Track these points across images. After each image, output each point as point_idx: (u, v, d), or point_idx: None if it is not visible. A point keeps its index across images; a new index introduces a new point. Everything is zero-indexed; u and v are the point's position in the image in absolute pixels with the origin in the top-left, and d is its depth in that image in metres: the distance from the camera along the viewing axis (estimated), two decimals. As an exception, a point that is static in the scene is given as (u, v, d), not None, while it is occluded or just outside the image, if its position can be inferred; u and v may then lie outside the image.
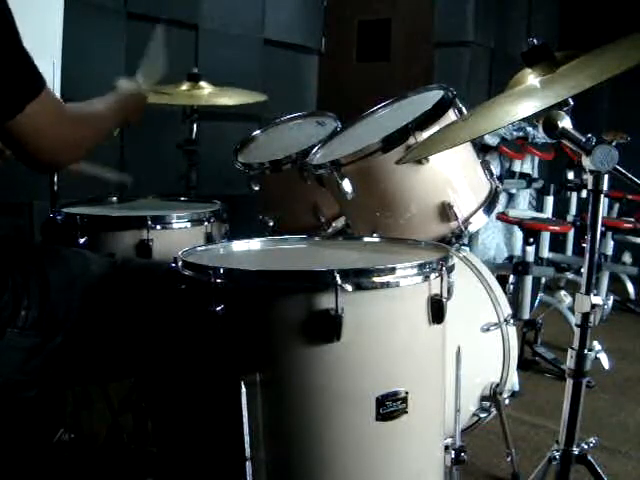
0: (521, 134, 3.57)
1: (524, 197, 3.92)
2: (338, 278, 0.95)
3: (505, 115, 1.27)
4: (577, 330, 1.22)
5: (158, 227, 1.62)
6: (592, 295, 1.19)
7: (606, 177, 1.16)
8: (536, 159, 3.85)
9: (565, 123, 1.18)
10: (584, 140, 1.16)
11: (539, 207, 3.82)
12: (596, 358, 1.22)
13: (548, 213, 3.53)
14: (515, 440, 1.79)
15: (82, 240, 1.56)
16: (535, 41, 1.24)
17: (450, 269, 1.09)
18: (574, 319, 1.23)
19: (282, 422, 1.01)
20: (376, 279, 0.99)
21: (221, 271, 1.00)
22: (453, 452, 1.20)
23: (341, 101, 3.29)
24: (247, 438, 0.98)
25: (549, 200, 3.60)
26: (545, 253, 3.46)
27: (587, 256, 1.21)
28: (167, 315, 1.14)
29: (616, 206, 3.74)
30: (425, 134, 1.48)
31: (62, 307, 1.09)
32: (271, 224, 2.00)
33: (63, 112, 1.11)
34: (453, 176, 1.58)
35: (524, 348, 2.67)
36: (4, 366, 1.04)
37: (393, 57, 4.52)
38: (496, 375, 1.62)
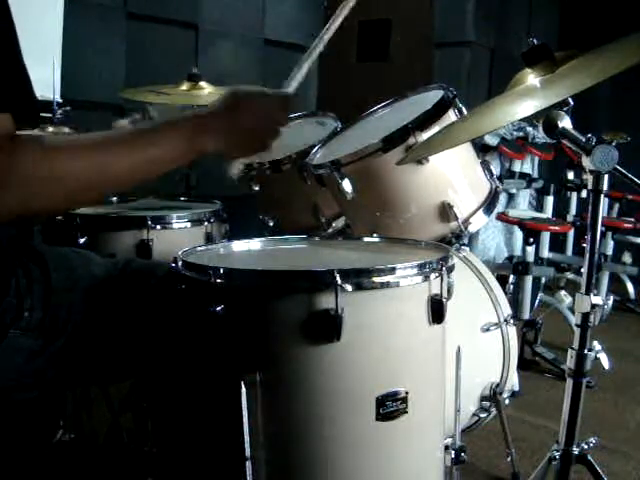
0: (521, 134, 3.58)
1: (524, 197, 3.93)
2: (338, 278, 0.95)
3: (505, 115, 1.27)
4: (577, 330, 1.22)
5: (158, 227, 1.63)
6: (592, 295, 1.19)
7: (606, 177, 1.16)
8: (536, 159, 3.86)
9: (565, 123, 1.18)
10: (584, 140, 1.16)
11: (539, 207, 3.82)
12: (596, 358, 1.22)
13: (548, 213, 3.54)
14: (515, 440, 1.79)
15: (82, 240, 1.56)
16: (535, 41, 1.24)
17: (450, 269, 1.08)
18: (574, 319, 1.23)
19: (282, 422, 1.00)
20: (376, 279, 0.99)
21: (221, 271, 1.00)
22: (453, 452, 1.20)
23: (341, 101, 3.29)
24: (247, 438, 0.97)
25: (549, 200, 3.61)
26: (545, 253, 3.47)
27: (587, 256, 1.21)
28: (167, 315, 1.14)
29: (616, 206, 3.75)
30: (425, 134, 1.48)
31: (65, 308, 1.08)
32: (271, 224, 2.00)
33: None
34: (453, 176, 1.58)
35: (524, 348, 2.67)
36: (6, 367, 1.04)
37: (393, 57, 4.52)
38: (496, 375, 1.62)
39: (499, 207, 2.98)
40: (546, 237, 3.43)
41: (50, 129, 2.15)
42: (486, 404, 1.60)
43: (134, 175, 1.00)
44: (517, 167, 3.70)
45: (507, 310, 1.64)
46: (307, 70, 1.28)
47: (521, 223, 2.82)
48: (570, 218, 3.77)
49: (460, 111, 1.56)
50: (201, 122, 1.07)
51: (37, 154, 0.89)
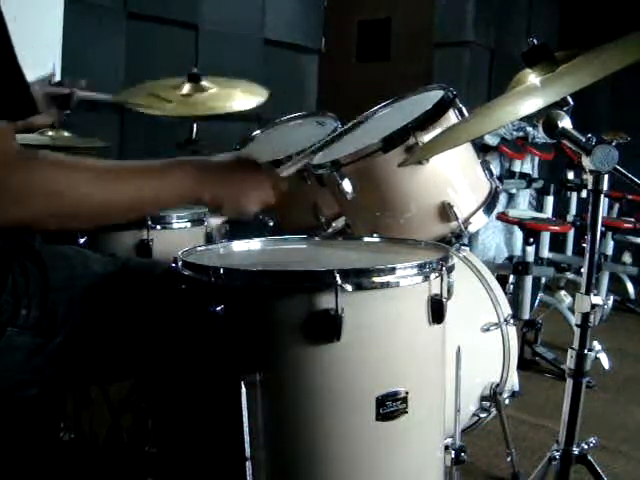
0: (521, 134, 3.58)
1: (524, 197, 3.93)
2: (338, 278, 0.95)
3: (506, 115, 1.27)
4: (577, 330, 1.22)
5: (158, 227, 1.63)
6: (592, 295, 1.19)
7: (606, 177, 1.16)
8: (536, 159, 3.86)
9: (565, 123, 1.18)
10: (584, 140, 1.16)
11: (539, 207, 3.82)
12: (596, 358, 1.22)
13: (548, 213, 3.54)
14: (515, 440, 1.79)
15: (82, 240, 1.56)
16: (535, 41, 1.24)
17: (450, 269, 1.08)
18: (574, 319, 1.23)
19: (282, 422, 1.00)
20: (376, 279, 0.99)
21: (221, 271, 1.00)
22: (453, 452, 1.20)
23: (341, 101, 3.29)
24: (247, 438, 0.97)
25: (549, 200, 3.61)
26: (545, 253, 3.47)
27: (587, 256, 1.21)
28: (167, 315, 1.14)
29: (616, 206, 3.75)
30: (425, 134, 1.48)
31: (63, 306, 1.08)
32: (271, 224, 1.99)
33: None
34: (453, 176, 1.57)
35: (524, 348, 2.68)
36: (5, 365, 1.04)
37: (393, 57, 4.53)
38: (496, 375, 1.62)
39: (499, 207, 2.98)
40: (546, 237, 3.44)
41: (50, 133, 2.14)
42: (486, 404, 1.60)
43: (134, 207, 1.03)
44: (517, 167, 3.70)
45: (507, 310, 1.64)
46: (301, 165, 1.37)
47: (521, 223, 2.82)
48: (570, 218, 3.77)
49: (460, 111, 1.55)
50: (206, 168, 1.11)
51: (39, 170, 0.90)
